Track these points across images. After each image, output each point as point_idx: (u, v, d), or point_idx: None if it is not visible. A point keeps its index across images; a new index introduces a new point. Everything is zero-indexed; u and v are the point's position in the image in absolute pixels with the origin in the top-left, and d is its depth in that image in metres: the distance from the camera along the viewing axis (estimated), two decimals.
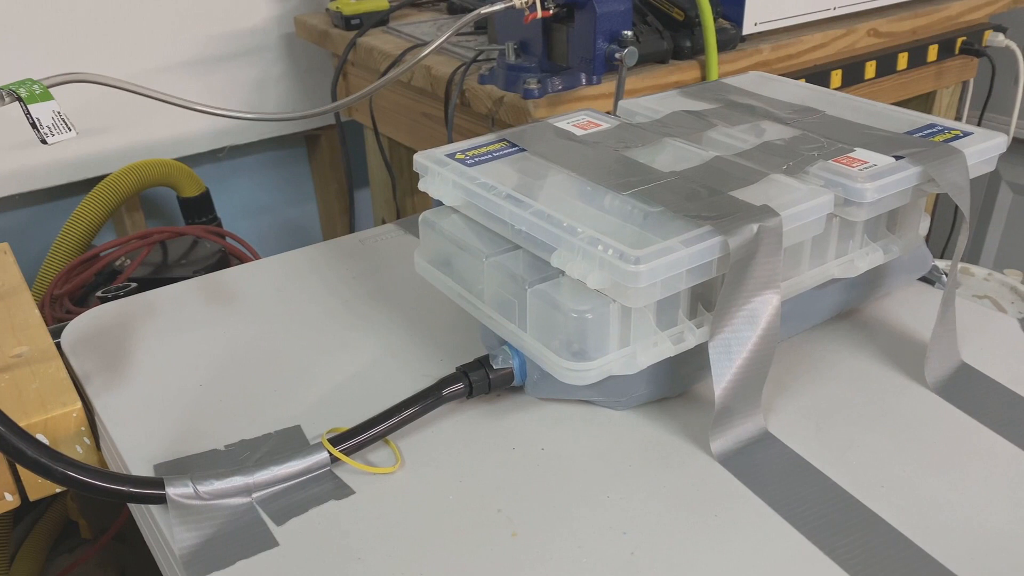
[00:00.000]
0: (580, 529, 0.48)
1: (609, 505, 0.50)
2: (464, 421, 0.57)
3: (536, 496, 0.51)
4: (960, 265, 1.33)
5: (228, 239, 1.25)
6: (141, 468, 0.53)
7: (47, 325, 0.66)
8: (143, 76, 1.36)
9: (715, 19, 1.03)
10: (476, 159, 0.61)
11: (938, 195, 1.53)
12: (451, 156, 0.61)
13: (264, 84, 1.49)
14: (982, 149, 0.60)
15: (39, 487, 0.58)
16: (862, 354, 0.63)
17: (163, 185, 1.38)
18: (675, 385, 0.58)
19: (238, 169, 1.58)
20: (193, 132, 1.44)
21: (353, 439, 0.53)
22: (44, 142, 0.59)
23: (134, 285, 1.07)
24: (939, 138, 0.61)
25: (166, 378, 0.62)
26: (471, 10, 0.88)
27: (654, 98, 0.73)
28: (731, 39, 1.08)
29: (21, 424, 0.54)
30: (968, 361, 0.61)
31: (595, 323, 0.51)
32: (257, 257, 1.21)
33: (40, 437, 0.57)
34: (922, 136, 0.62)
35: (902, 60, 1.28)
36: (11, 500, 0.58)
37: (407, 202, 1.47)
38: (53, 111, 0.59)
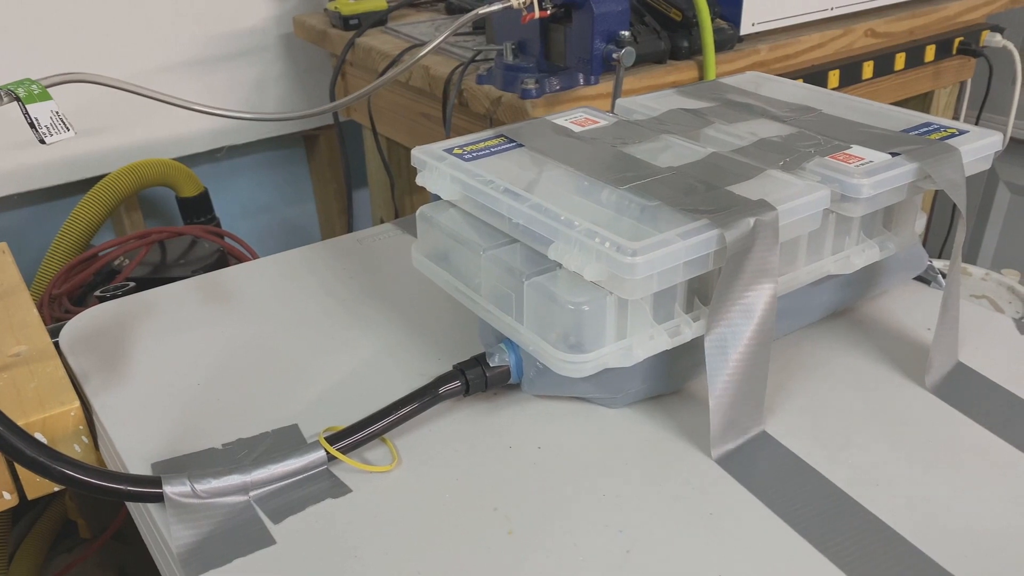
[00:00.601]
0: (576, 527, 0.48)
1: (605, 503, 0.50)
2: (461, 419, 0.57)
3: (532, 494, 0.51)
4: None
5: (227, 239, 1.25)
6: (139, 467, 0.53)
7: (46, 324, 0.66)
8: (142, 76, 1.36)
9: (713, 19, 1.03)
10: (474, 154, 0.61)
11: (936, 195, 1.53)
12: (449, 151, 0.61)
13: (263, 84, 1.49)
14: (978, 147, 0.60)
15: (37, 486, 0.58)
16: (858, 353, 0.63)
17: (162, 185, 1.38)
18: (671, 382, 0.58)
19: (237, 169, 1.58)
20: (192, 132, 1.44)
21: (350, 437, 0.53)
22: (42, 142, 0.59)
23: (132, 285, 1.07)
24: (935, 136, 0.61)
25: (164, 377, 0.62)
26: (469, 10, 0.88)
27: (651, 96, 0.73)
28: (728, 39, 1.08)
29: (19, 423, 0.54)
30: (964, 361, 0.61)
31: (592, 315, 0.51)
32: (256, 257, 1.21)
33: (38, 436, 0.57)
34: (918, 134, 0.62)
35: (900, 60, 1.28)
36: (9, 499, 0.58)
37: (405, 202, 1.47)
38: (51, 111, 0.59)
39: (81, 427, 0.58)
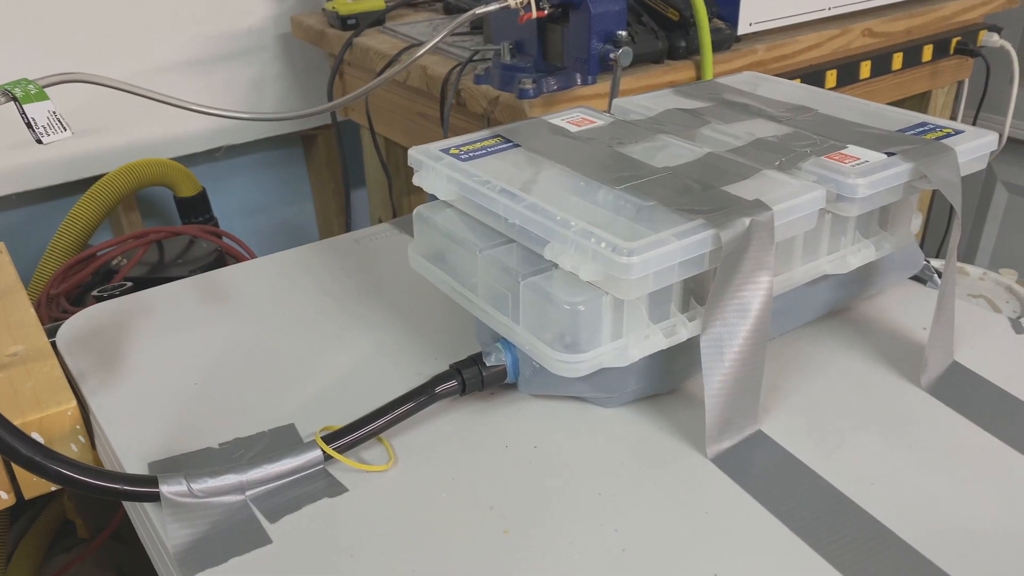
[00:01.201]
0: (571, 526, 0.48)
1: (601, 502, 0.50)
2: (457, 419, 0.57)
3: (528, 493, 0.51)
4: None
5: (225, 239, 1.25)
6: (136, 466, 0.53)
7: (44, 324, 0.66)
8: (139, 76, 1.36)
9: (710, 19, 1.03)
10: (470, 154, 0.61)
11: (934, 194, 1.53)
12: (445, 151, 0.61)
13: (261, 84, 1.49)
14: (973, 147, 0.60)
15: (34, 485, 0.58)
16: (854, 352, 0.63)
17: (160, 185, 1.38)
18: (667, 381, 0.58)
19: (235, 169, 1.58)
20: (190, 132, 1.44)
21: (346, 437, 0.53)
22: (39, 142, 0.59)
23: (129, 284, 1.07)
24: (931, 136, 0.61)
25: (161, 377, 0.62)
26: (467, 10, 0.88)
27: (648, 96, 0.73)
28: (726, 39, 1.08)
29: (16, 422, 0.55)
30: (960, 360, 0.61)
31: (587, 315, 0.51)
32: (254, 257, 1.21)
33: (35, 436, 0.57)
34: (914, 134, 0.62)
35: (897, 60, 1.28)
36: (6, 498, 0.58)
37: (403, 202, 1.47)
38: (48, 111, 0.60)
39: (78, 427, 0.58)
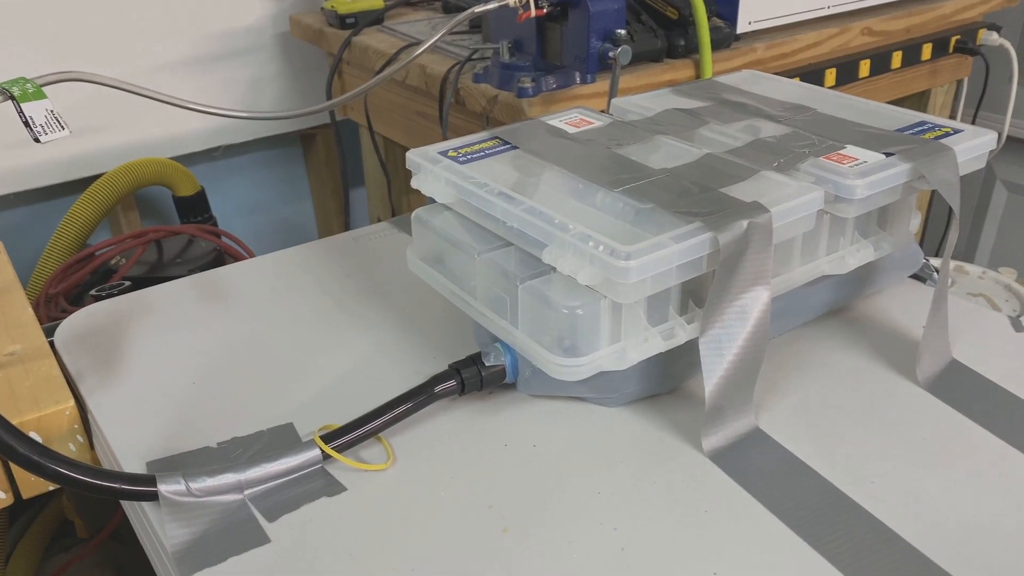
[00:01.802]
0: (571, 524, 0.48)
1: (600, 501, 0.50)
2: (456, 418, 0.57)
3: (527, 492, 0.51)
4: (955, 264, 1.33)
5: (223, 238, 1.25)
6: (134, 465, 0.53)
7: (42, 324, 0.66)
8: (138, 75, 1.36)
9: (709, 18, 1.03)
10: (469, 156, 0.61)
11: (933, 193, 1.53)
12: (444, 153, 0.61)
13: (259, 83, 1.49)
14: (972, 146, 0.60)
15: (32, 485, 0.58)
16: (853, 351, 0.63)
17: (158, 184, 1.38)
18: (666, 382, 0.58)
19: (233, 168, 1.58)
20: (188, 131, 1.44)
21: (345, 436, 0.53)
22: (37, 141, 0.59)
23: (128, 284, 1.07)
24: (929, 135, 0.61)
25: (159, 376, 0.62)
26: (465, 9, 0.88)
27: (646, 96, 0.73)
28: (725, 38, 1.08)
29: (14, 422, 0.55)
30: (959, 358, 0.61)
31: (586, 319, 0.51)
32: (252, 256, 1.21)
33: (33, 435, 0.57)
34: (913, 133, 0.62)
35: (896, 59, 1.28)
36: (4, 498, 0.58)
37: (403, 201, 1.47)
38: (46, 110, 0.59)
39: (76, 426, 0.58)
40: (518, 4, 0.87)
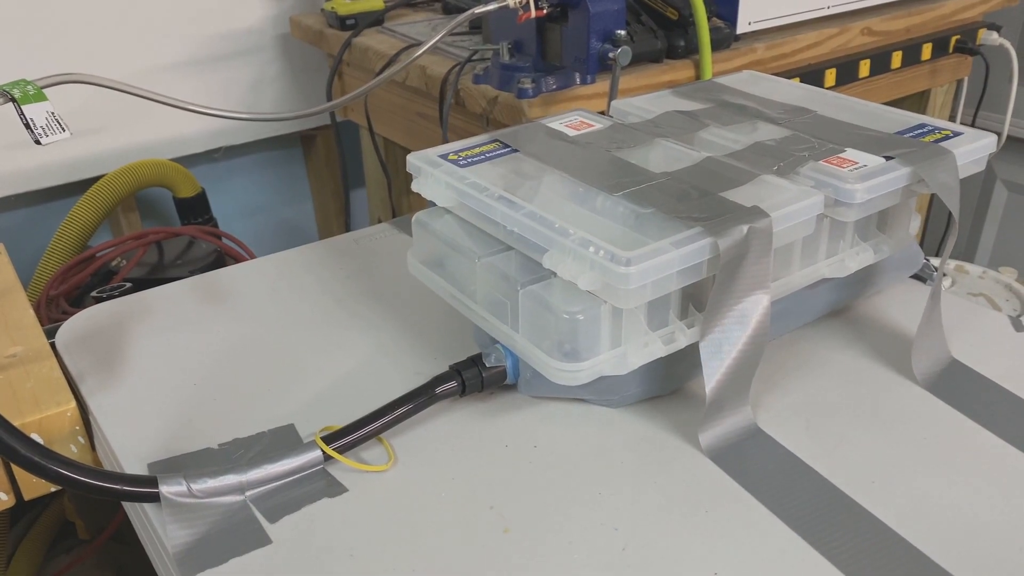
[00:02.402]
0: (572, 525, 0.48)
1: (601, 501, 0.50)
2: (457, 419, 0.57)
3: (528, 493, 0.51)
4: (955, 263, 1.33)
5: (224, 239, 1.25)
6: (135, 467, 0.54)
7: (43, 326, 0.66)
8: (138, 76, 1.36)
9: (709, 18, 1.03)
10: (469, 160, 0.61)
11: (932, 195, 1.53)
12: (444, 157, 0.61)
13: (259, 84, 1.49)
14: (972, 149, 0.60)
15: (34, 486, 0.58)
16: (853, 351, 0.63)
17: (159, 186, 1.38)
18: (667, 383, 0.58)
19: (234, 169, 1.58)
20: (189, 133, 1.44)
21: (346, 437, 0.53)
22: (38, 143, 0.59)
23: (129, 285, 1.07)
24: (929, 138, 0.61)
25: (160, 377, 0.62)
26: (465, 10, 0.88)
27: (646, 98, 0.73)
28: (725, 38, 1.08)
29: (16, 423, 0.55)
30: (959, 358, 0.61)
31: (586, 324, 0.51)
32: (253, 257, 1.21)
33: (34, 436, 0.57)
34: (912, 136, 0.62)
35: (896, 59, 1.28)
36: (6, 499, 0.58)
37: (403, 202, 1.47)
38: (47, 112, 0.60)
39: (77, 427, 0.59)
40: (518, 5, 0.87)
